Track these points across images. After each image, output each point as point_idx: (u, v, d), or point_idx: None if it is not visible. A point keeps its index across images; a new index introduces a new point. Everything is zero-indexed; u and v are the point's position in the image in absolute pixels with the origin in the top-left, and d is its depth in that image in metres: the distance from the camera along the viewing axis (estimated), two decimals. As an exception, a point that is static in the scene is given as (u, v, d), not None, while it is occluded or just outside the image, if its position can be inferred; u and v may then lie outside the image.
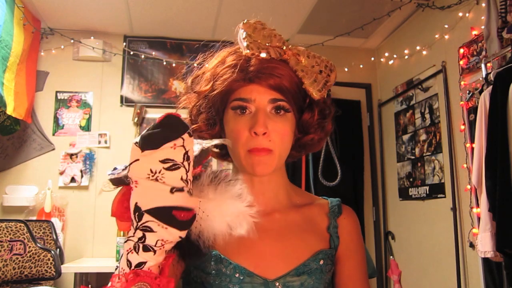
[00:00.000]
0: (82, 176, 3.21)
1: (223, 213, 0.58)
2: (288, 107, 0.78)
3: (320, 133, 0.85)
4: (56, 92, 3.34)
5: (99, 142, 3.29)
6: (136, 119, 3.33)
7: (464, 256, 2.57)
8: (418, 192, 3.04)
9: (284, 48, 0.78)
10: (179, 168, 0.53)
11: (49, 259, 2.37)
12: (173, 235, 0.54)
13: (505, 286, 2.02)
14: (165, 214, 0.53)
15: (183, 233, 0.55)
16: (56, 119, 3.30)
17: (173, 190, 0.53)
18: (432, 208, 2.90)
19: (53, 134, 3.27)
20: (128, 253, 0.55)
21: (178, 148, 0.52)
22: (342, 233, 0.85)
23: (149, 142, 0.52)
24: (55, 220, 2.99)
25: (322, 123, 0.85)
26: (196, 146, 0.58)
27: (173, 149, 0.52)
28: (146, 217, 0.53)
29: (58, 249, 2.68)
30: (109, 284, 0.55)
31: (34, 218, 3.04)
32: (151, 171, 0.52)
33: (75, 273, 2.75)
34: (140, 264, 0.55)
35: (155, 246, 0.54)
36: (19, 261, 2.30)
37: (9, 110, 2.72)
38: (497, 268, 2.13)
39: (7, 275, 2.22)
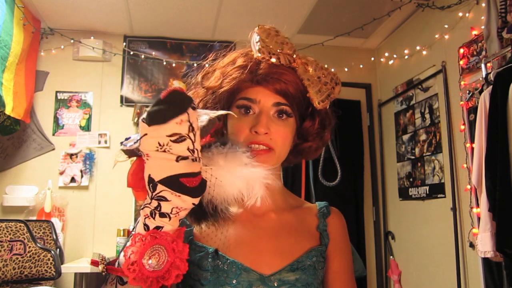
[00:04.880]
0: (82, 176, 3.21)
1: (234, 179, 0.61)
2: (291, 112, 0.82)
3: (318, 142, 0.90)
4: (56, 92, 3.34)
5: (99, 142, 3.29)
6: (136, 119, 3.33)
7: (464, 256, 2.56)
8: (418, 192, 3.03)
9: (294, 56, 0.82)
10: (185, 139, 0.55)
11: (49, 259, 2.37)
12: (187, 202, 0.57)
13: (505, 286, 2.02)
14: (175, 183, 0.56)
15: (196, 200, 0.58)
16: (56, 119, 3.30)
17: (178, 158, 0.56)
18: (432, 208, 2.90)
19: (53, 134, 3.27)
20: (145, 218, 0.59)
21: (183, 122, 0.55)
22: (331, 231, 0.88)
23: (155, 118, 0.54)
24: (55, 220, 2.99)
25: (321, 132, 0.89)
26: (204, 116, 0.60)
27: (178, 124, 0.54)
28: (160, 187, 0.56)
29: (58, 249, 2.68)
30: (129, 243, 0.58)
31: (34, 218, 3.04)
32: (159, 144, 0.55)
33: (75, 273, 2.75)
34: (157, 228, 0.59)
35: (170, 213, 0.58)
36: (19, 261, 2.30)
37: (8, 110, 2.72)
38: (497, 268, 2.13)
39: (7, 275, 2.22)
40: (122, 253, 0.59)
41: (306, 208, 0.91)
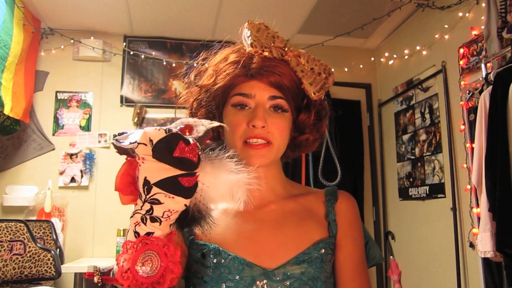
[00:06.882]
0: (82, 176, 3.21)
1: (219, 185, 0.62)
2: (287, 107, 0.81)
3: (315, 134, 0.88)
4: (56, 92, 3.33)
5: (99, 142, 3.29)
6: (136, 119, 3.33)
7: (464, 256, 2.56)
8: (418, 192, 3.03)
9: (286, 49, 0.82)
10: None
11: (49, 259, 2.37)
12: (179, 203, 0.58)
13: (505, 286, 2.02)
14: (171, 184, 0.56)
15: (187, 201, 0.58)
16: (56, 119, 3.30)
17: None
18: (432, 208, 2.90)
19: (53, 134, 3.27)
20: (135, 225, 0.59)
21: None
22: (339, 219, 0.85)
23: (159, 156, 0.56)
24: (55, 220, 2.99)
25: (318, 124, 0.88)
26: (201, 127, 0.61)
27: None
28: (155, 189, 0.56)
29: (58, 249, 2.68)
30: (121, 251, 0.59)
31: (34, 218, 3.04)
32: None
33: (75, 273, 2.74)
34: (148, 234, 0.59)
35: (162, 217, 0.58)
36: (19, 261, 2.30)
37: (7, 110, 2.71)
38: (497, 268, 2.13)
39: (7, 275, 2.22)
40: (116, 262, 0.59)
41: (313, 196, 0.88)
